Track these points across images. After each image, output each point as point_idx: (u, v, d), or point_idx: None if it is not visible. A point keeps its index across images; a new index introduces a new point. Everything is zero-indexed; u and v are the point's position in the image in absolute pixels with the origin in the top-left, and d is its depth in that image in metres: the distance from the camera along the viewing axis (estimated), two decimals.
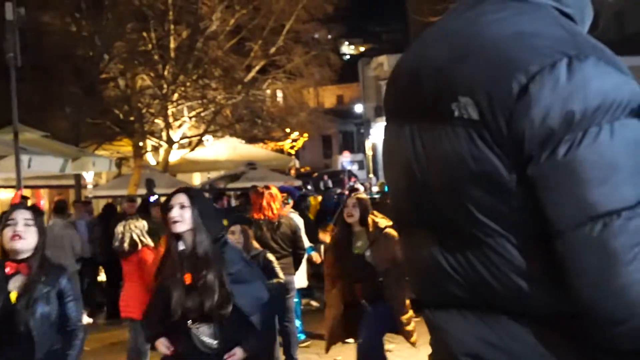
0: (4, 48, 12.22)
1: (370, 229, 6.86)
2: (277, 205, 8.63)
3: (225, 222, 6.05)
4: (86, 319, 11.65)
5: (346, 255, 6.93)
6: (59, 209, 16.81)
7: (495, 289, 1.63)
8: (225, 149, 25.44)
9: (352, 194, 7.70)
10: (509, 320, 1.64)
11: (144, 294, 7.00)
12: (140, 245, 7.86)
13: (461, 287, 1.69)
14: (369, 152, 45.52)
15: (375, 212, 7.23)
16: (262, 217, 8.56)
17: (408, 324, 6.98)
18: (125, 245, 7.86)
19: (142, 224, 7.94)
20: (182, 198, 4.54)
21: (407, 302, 6.96)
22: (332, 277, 7.11)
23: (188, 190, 4.66)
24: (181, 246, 4.48)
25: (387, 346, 9.62)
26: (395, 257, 6.65)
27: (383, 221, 6.96)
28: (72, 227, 12.77)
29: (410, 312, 6.98)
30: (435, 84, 1.68)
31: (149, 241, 7.99)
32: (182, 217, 4.45)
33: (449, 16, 1.80)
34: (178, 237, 4.49)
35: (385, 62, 45.02)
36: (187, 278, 4.41)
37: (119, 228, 7.93)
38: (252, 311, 4.50)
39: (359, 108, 51.96)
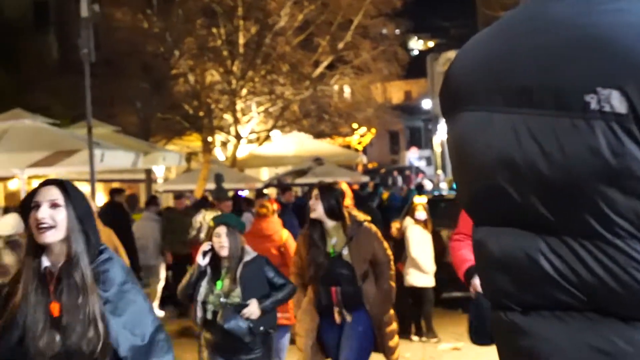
0: (78, 44, 12.43)
1: (347, 224, 6.00)
2: (346, 201, 8.53)
3: (211, 223, 5.93)
4: (159, 312, 11.82)
5: (319, 256, 5.99)
6: (131, 202, 17.14)
7: (616, 292, 1.54)
8: (293, 144, 25.50)
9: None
10: (626, 325, 1.54)
11: None
12: None
13: (563, 290, 1.59)
14: (437, 148, 45.18)
15: (350, 206, 6.53)
16: None
17: (391, 337, 6.16)
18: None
19: None
20: (54, 193, 3.08)
21: (391, 311, 6.24)
22: (303, 283, 6.16)
23: (62, 183, 3.13)
24: (46, 262, 3.06)
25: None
26: (377, 256, 6.06)
27: (361, 215, 6.26)
28: (156, 220, 12.97)
29: (394, 325, 6.24)
30: (549, 74, 1.59)
31: None
32: (54, 220, 3.03)
33: (541, 5, 1.70)
34: (42, 249, 3.06)
35: (454, 57, 44.76)
36: (55, 309, 3.00)
37: (199, 218, 7.97)
38: None
39: (426, 104, 51.61)
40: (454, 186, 11.20)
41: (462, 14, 48.24)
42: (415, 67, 43.48)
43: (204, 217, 7.96)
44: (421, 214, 10.19)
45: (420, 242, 10.10)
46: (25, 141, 12.27)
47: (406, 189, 24.91)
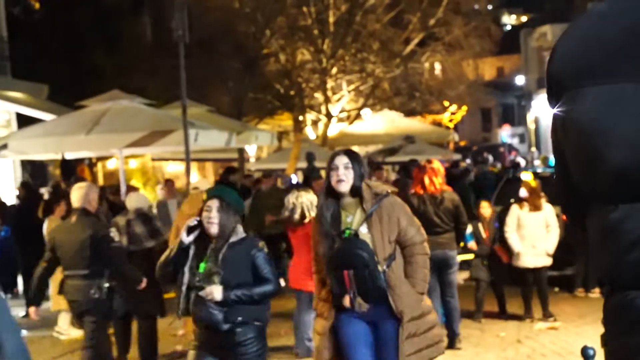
0: (172, 26, 12.63)
1: (365, 197, 4.98)
2: (439, 179, 8.48)
3: (203, 196, 5.18)
4: None
5: (330, 236, 5.00)
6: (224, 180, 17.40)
7: None
8: (383, 122, 25.40)
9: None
10: None
11: (310, 267, 7.01)
12: (308, 218, 7.85)
13: None
14: (531, 125, 44.25)
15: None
16: (424, 191, 8.44)
17: (437, 339, 5.10)
18: (296, 215, 7.90)
19: (312, 197, 7.95)
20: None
21: (428, 302, 5.24)
22: (320, 272, 5.18)
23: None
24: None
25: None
26: (406, 235, 5.03)
27: (382, 185, 5.28)
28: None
29: (434, 317, 5.18)
30: None
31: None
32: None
33: None
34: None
35: (548, 32, 43.52)
36: None
37: (291, 198, 7.98)
38: None
39: (519, 80, 50.56)
40: (550, 164, 10.99)
41: None
42: (508, 43, 42.58)
43: (297, 197, 7.97)
44: (521, 191, 10.01)
45: (513, 222, 9.86)
46: (123, 122, 12.58)
47: (500, 167, 24.51)
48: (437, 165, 8.62)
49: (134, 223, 8.03)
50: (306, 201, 7.96)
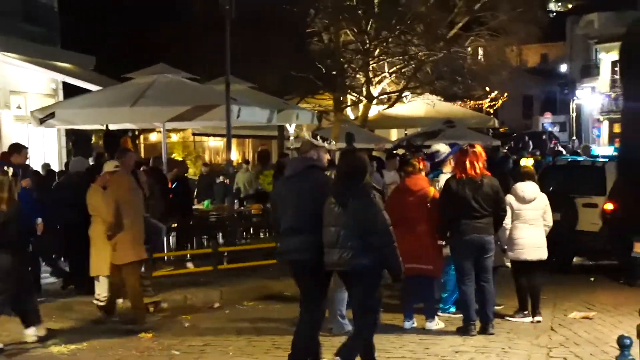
0: (219, 0, 12.71)
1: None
2: (480, 164, 8.50)
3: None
4: None
5: None
6: (263, 158, 17.54)
7: None
8: (424, 106, 25.34)
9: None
10: None
11: None
12: None
13: None
14: (573, 114, 43.80)
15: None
16: (464, 176, 8.47)
17: None
18: None
19: None
20: None
21: None
22: None
23: None
24: None
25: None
26: None
27: None
28: None
29: None
30: None
31: None
32: None
33: None
34: None
35: (595, 20, 42.93)
36: None
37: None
38: None
39: (563, 68, 49.98)
40: (592, 152, 10.86)
41: None
42: (554, 30, 42.01)
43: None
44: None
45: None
46: (167, 95, 12.72)
47: (540, 154, 24.32)
48: (479, 149, 8.63)
49: None
50: None
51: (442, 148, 10.06)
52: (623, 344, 4.32)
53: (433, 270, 8.77)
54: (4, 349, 8.14)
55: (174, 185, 12.80)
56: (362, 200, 6.69)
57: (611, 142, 36.82)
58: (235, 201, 14.76)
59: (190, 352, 8.03)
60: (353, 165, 6.93)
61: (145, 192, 10.12)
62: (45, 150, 17.22)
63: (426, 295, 8.84)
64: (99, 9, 21.87)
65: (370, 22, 23.86)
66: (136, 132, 21.25)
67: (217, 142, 24.62)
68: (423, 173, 9.06)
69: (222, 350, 8.08)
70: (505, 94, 33.62)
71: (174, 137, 23.36)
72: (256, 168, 17.35)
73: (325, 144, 8.52)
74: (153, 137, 22.46)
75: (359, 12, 23.87)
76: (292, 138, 22.15)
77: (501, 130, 38.24)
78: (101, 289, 9.63)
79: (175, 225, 12.90)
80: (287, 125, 19.34)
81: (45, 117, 12.66)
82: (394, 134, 28.65)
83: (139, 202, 9.50)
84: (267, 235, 14.58)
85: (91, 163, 12.34)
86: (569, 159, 15.51)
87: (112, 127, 13.84)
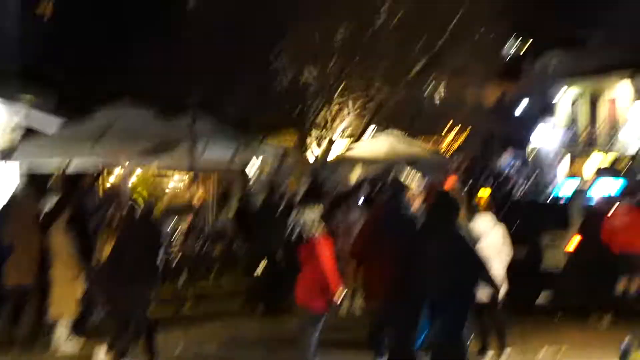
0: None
1: None
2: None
3: None
4: None
5: None
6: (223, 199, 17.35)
7: None
8: (386, 145, 25.37)
9: None
10: None
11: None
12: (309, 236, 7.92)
13: None
14: (533, 151, 44.43)
15: None
16: None
17: None
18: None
19: (315, 214, 8.00)
20: None
21: None
22: None
23: None
24: None
25: None
26: None
27: None
28: None
29: None
30: None
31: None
32: None
33: None
34: None
35: (553, 58, 43.67)
36: None
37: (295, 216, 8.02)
38: None
39: (522, 105, 50.69)
40: (556, 190, 10.89)
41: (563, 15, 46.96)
42: (512, 69, 42.65)
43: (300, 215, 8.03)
44: None
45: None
46: (132, 132, 12.58)
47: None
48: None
49: None
50: (308, 219, 8.06)
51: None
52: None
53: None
54: None
55: None
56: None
57: (572, 176, 37.25)
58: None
59: None
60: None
61: None
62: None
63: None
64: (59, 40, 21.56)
65: (332, 61, 23.93)
66: (97, 174, 20.88)
67: (178, 183, 24.33)
68: None
69: None
70: (466, 132, 33.95)
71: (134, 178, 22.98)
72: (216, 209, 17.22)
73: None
74: (112, 178, 22.13)
75: (321, 51, 23.92)
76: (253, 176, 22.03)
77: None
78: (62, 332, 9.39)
79: None
80: (251, 163, 19.20)
81: (7, 151, 12.46)
82: (356, 174, 28.60)
83: None
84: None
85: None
86: (533, 196, 15.67)
87: (73, 168, 13.62)
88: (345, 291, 9.38)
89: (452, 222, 6.79)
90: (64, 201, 10.44)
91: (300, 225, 8.04)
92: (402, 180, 8.18)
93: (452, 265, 6.52)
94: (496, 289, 7.25)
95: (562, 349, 9.54)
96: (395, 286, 7.27)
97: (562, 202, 12.87)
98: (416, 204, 8.39)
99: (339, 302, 8.34)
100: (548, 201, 13.76)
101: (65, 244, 9.42)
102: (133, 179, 21.25)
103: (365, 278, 9.03)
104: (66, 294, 9.26)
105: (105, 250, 9.23)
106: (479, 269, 6.65)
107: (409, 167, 21.22)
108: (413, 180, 9.63)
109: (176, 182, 23.40)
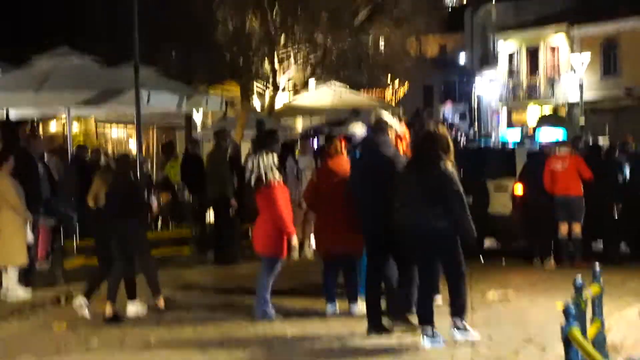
0: None
1: None
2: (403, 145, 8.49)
3: None
4: None
5: None
6: (168, 149, 17.06)
7: None
8: (330, 95, 25.27)
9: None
10: None
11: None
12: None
13: None
14: (474, 103, 44.83)
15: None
16: None
17: None
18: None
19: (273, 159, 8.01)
20: None
21: None
22: None
23: None
24: None
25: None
26: None
27: None
28: None
29: None
30: None
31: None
32: None
33: None
34: None
35: (493, 10, 43.89)
36: None
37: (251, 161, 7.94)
38: None
39: (462, 58, 51.07)
40: (502, 138, 11.09)
41: None
42: (453, 20, 42.81)
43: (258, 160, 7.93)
44: None
45: None
46: (73, 80, 12.22)
47: None
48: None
49: None
50: (267, 165, 7.99)
51: (359, 131, 9.96)
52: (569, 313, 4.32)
53: (355, 252, 8.53)
54: None
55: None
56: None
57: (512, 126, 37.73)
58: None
59: (109, 344, 7.72)
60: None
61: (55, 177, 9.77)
62: None
63: (349, 278, 8.74)
64: None
65: (275, 10, 23.63)
66: (35, 123, 20.39)
67: (121, 132, 23.91)
68: (345, 154, 8.95)
69: (142, 340, 7.81)
70: (407, 84, 34.04)
71: (75, 128, 22.50)
72: (161, 159, 16.96)
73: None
74: (52, 127, 21.60)
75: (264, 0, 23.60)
76: (198, 127, 21.81)
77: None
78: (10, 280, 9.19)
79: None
80: (194, 113, 18.97)
81: None
82: (300, 124, 28.50)
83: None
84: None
85: None
86: (481, 144, 15.81)
87: (12, 115, 13.22)
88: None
89: (440, 158, 7.08)
90: (6, 149, 10.17)
91: (257, 172, 7.96)
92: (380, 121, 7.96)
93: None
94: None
95: (508, 292, 9.68)
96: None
97: (507, 149, 12.98)
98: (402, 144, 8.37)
99: (293, 248, 8.32)
100: (493, 148, 13.86)
101: (10, 191, 9.16)
102: (75, 129, 20.82)
103: (317, 224, 9.03)
104: (13, 241, 9.03)
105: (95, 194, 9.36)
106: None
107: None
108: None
109: (120, 128, 23.08)
